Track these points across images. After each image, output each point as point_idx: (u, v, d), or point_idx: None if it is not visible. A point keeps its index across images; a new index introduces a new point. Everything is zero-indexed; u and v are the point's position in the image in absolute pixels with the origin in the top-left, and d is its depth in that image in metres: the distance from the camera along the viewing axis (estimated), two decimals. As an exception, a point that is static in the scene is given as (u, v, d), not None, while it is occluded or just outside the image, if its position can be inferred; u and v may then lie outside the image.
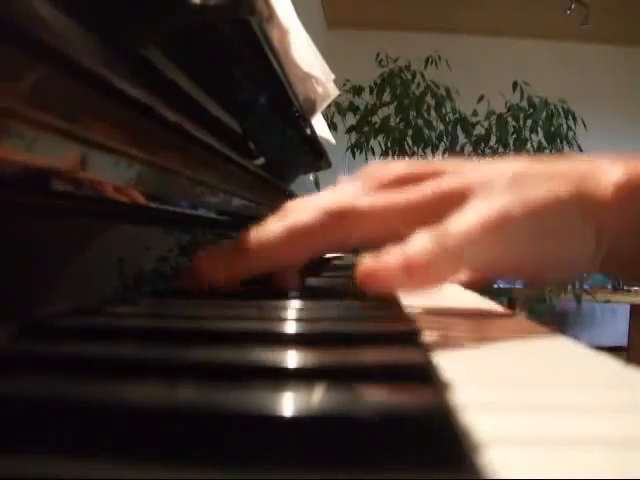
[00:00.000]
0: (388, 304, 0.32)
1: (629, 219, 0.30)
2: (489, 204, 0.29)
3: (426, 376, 0.15)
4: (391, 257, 0.27)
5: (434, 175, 0.32)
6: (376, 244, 0.31)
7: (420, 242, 0.27)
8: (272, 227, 0.31)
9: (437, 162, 0.34)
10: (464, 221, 0.28)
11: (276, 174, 0.62)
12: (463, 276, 0.37)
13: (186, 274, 0.33)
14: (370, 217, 0.31)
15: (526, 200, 0.29)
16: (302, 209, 0.33)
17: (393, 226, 0.31)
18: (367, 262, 0.27)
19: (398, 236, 0.29)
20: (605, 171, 0.31)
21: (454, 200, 0.30)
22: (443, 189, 0.31)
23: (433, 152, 3.27)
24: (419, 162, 0.34)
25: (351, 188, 0.33)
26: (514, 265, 0.30)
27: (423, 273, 0.27)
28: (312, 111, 0.66)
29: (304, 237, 0.31)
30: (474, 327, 0.28)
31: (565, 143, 3.27)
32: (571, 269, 0.32)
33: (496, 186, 0.30)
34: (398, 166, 0.34)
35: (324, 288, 0.48)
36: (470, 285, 0.39)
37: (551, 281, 0.34)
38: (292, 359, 0.17)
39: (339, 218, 0.31)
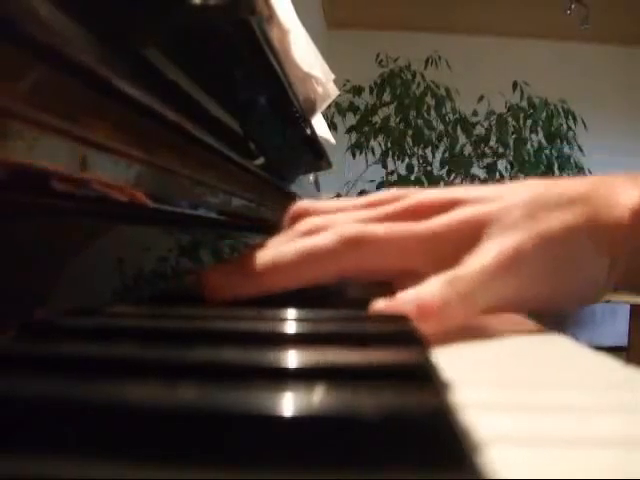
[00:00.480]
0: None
1: None
2: (502, 243, 0.29)
3: (426, 376, 0.15)
4: (404, 299, 0.27)
5: (453, 205, 0.32)
6: (389, 274, 0.31)
7: (433, 286, 0.27)
8: (287, 248, 0.31)
9: (453, 191, 0.34)
10: (477, 264, 0.28)
11: (276, 174, 0.62)
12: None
13: (197, 280, 0.32)
14: (387, 246, 0.31)
15: (540, 234, 0.29)
16: (318, 229, 0.32)
17: (409, 257, 0.31)
18: (380, 304, 0.27)
19: (413, 266, 0.29)
20: (622, 195, 0.31)
21: (471, 232, 0.30)
22: (459, 221, 0.31)
23: (433, 152, 3.27)
24: (434, 191, 0.34)
25: (368, 213, 0.33)
26: (528, 299, 0.30)
27: (436, 317, 0.26)
28: (312, 111, 0.66)
29: (319, 261, 0.31)
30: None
31: (565, 143, 3.27)
32: (583, 298, 0.32)
33: (512, 217, 0.30)
34: (419, 194, 0.34)
35: (324, 288, 0.48)
36: None
37: (563, 311, 0.34)
38: (292, 359, 0.17)
39: (355, 245, 0.30)
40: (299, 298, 0.33)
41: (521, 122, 3.28)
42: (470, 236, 0.30)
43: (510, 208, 0.30)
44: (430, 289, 0.27)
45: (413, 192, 0.35)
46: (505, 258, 0.28)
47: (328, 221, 0.33)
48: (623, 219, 0.30)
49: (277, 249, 0.31)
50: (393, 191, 0.36)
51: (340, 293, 0.48)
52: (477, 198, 0.32)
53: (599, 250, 0.30)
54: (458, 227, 0.31)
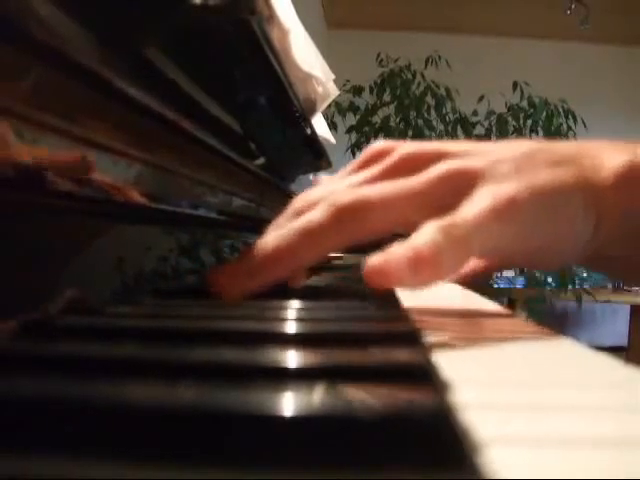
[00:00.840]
0: (388, 304, 0.32)
1: (628, 206, 0.31)
2: (496, 191, 0.29)
3: (426, 376, 0.15)
4: (398, 252, 0.26)
5: (439, 157, 0.32)
6: (388, 232, 0.31)
7: (427, 234, 0.27)
8: (283, 232, 0.31)
9: (441, 144, 0.34)
10: (472, 209, 0.28)
11: (276, 174, 0.62)
12: (468, 267, 0.37)
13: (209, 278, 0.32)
14: (382, 208, 0.30)
15: (532, 186, 0.29)
16: (311, 206, 0.32)
17: (405, 214, 0.31)
18: (374, 259, 0.27)
19: (410, 223, 0.29)
20: (607, 158, 0.31)
21: (462, 183, 0.30)
22: (450, 173, 0.31)
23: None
24: (423, 143, 0.34)
25: (357, 177, 0.33)
26: (519, 249, 0.30)
27: (432, 265, 0.26)
28: (312, 111, 0.66)
29: (318, 237, 0.30)
30: (474, 327, 0.28)
31: (565, 143, 3.27)
32: (569, 254, 0.32)
33: (503, 170, 0.30)
34: (403, 147, 0.34)
35: (324, 288, 0.48)
36: (472, 276, 0.39)
37: (548, 267, 0.35)
38: (292, 359, 0.17)
39: (351, 213, 0.30)
40: (298, 295, 0.33)
41: (521, 122, 3.28)
42: (462, 187, 0.30)
43: (501, 161, 0.30)
44: (423, 237, 0.27)
45: (399, 145, 0.34)
46: (499, 205, 0.28)
47: (319, 194, 0.33)
48: (608, 181, 0.30)
49: (274, 236, 0.31)
50: (379, 145, 0.35)
51: (339, 288, 0.48)
52: (466, 152, 0.32)
53: (586, 208, 0.30)
54: (449, 179, 0.30)
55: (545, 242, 0.31)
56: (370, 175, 0.33)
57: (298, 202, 0.34)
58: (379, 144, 0.35)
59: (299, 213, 0.32)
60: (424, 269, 0.26)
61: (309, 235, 0.30)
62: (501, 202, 0.28)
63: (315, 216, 0.30)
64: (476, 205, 0.28)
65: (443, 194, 0.30)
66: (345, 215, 0.30)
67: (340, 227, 0.30)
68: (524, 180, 0.29)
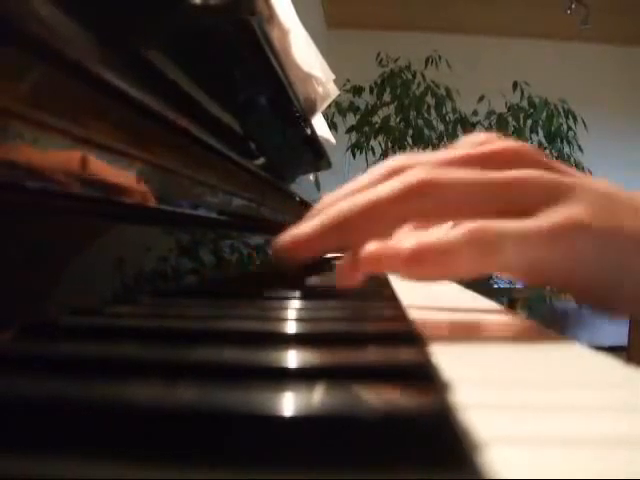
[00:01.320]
0: (388, 304, 0.32)
1: None
2: (573, 210, 0.28)
3: (426, 376, 0.15)
4: (409, 240, 0.26)
5: (537, 164, 0.31)
6: (452, 219, 0.30)
7: (453, 231, 0.26)
8: (355, 200, 0.30)
9: (544, 153, 0.32)
10: (530, 222, 0.27)
11: (276, 174, 0.62)
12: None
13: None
14: (448, 193, 0.29)
15: (610, 221, 0.28)
16: (379, 180, 0.30)
17: (471, 203, 0.29)
18: (372, 244, 0.26)
19: (475, 215, 0.28)
20: None
21: (548, 196, 0.29)
22: (543, 181, 0.29)
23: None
24: (529, 145, 0.32)
25: (445, 154, 0.32)
26: (568, 277, 0.29)
27: (432, 262, 0.25)
28: (312, 111, 0.66)
29: (385, 210, 0.29)
30: (474, 327, 0.28)
31: (565, 143, 3.27)
32: (618, 303, 0.31)
33: (586, 195, 0.29)
34: (509, 142, 0.32)
35: (324, 288, 0.48)
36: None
37: (595, 305, 0.32)
38: (292, 359, 0.17)
39: (418, 190, 0.29)
40: (299, 295, 0.33)
41: (521, 122, 3.28)
42: (546, 199, 0.28)
43: (585, 188, 0.29)
44: (441, 234, 0.26)
45: (506, 139, 0.32)
46: (563, 224, 0.27)
47: (405, 162, 0.31)
48: None
49: (346, 204, 0.30)
50: (483, 135, 0.33)
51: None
52: (565, 170, 0.31)
53: None
54: (540, 186, 0.29)
55: (595, 282, 0.29)
56: (458, 156, 0.31)
57: (382, 166, 0.32)
58: (484, 134, 0.33)
59: (381, 178, 0.31)
60: (422, 263, 0.25)
61: (375, 208, 0.29)
62: (565, 221, 0.27)
63: (382, 190, 0.29)
64: (538, 221, 0.27)
65: (524, 197, 0.29)
66: (410, 192, 0.29)
67: (404, 203, 0.29)
68: (602, 212, 0.28)
